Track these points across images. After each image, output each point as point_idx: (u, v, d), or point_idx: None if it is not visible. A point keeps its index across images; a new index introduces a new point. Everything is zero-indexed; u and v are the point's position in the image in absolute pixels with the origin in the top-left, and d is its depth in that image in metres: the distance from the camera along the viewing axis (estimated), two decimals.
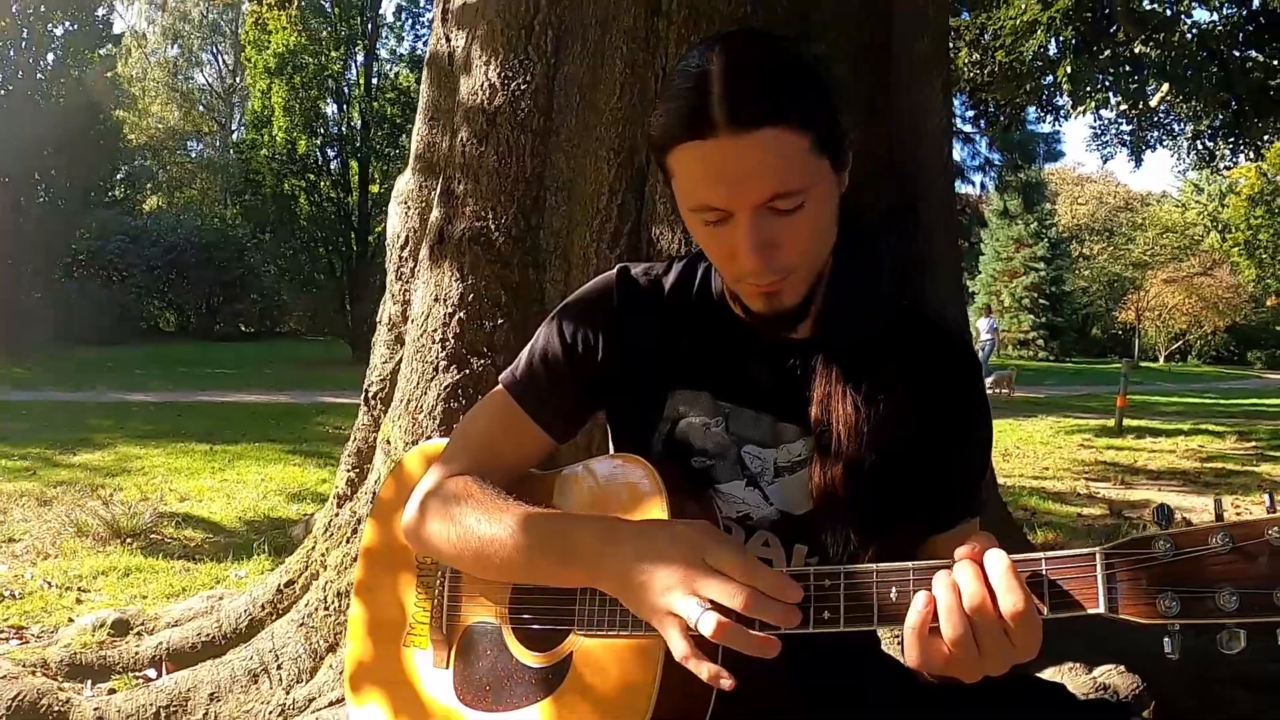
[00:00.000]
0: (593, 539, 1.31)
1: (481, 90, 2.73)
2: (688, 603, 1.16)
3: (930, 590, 1.12)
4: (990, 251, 46.89)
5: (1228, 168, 14.63)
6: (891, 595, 1.15)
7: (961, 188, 24.01)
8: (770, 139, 1.20)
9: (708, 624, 1.13)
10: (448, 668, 1.54)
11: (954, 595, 1.10)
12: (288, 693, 2.76)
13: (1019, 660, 1.10)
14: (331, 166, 29.48)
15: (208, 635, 3.10)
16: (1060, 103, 13.44)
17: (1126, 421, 13.22)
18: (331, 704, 2.63)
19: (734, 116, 1.20)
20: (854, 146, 1.38)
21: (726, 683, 1.16)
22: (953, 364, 1.49)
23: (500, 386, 1.59)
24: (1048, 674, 2.87)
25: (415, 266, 2.93)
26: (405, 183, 3.16)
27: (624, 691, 1.32)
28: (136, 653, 3.08)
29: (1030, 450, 10.84)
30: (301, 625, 2.84)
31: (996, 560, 1.10)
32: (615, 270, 1.56)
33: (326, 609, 2.80)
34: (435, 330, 2.65)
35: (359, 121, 29.11)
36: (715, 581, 1.16)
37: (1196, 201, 52.31)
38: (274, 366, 22.78)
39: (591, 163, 2.59)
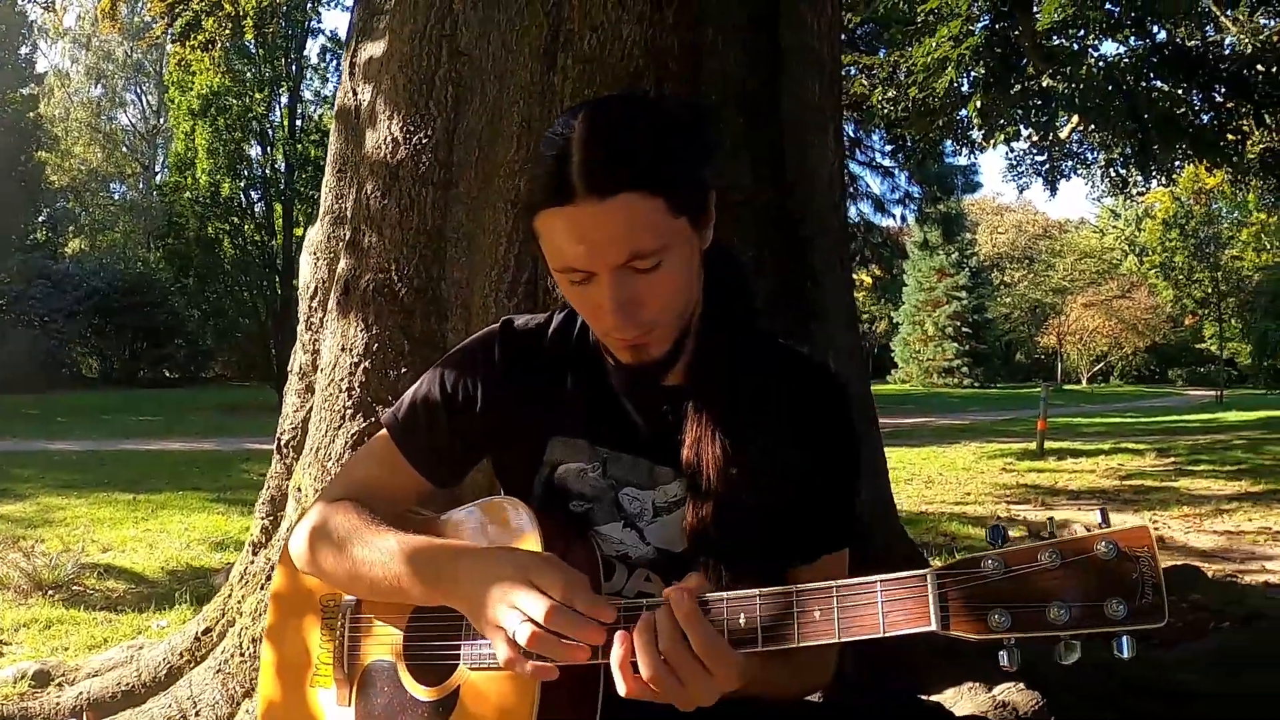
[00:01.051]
0: (447, 562, 1.42)
1: (385, 144, 2.81)
2: (510, 615, 1.28)
3: (632, 631, 1.24)
4: (913, 282, 47.62)
5: (1140, 193, 15.00)
6: (817, 613, 1.21)
7: (882, 221, 24.42)
8: (626, 204, 1.28)
9: (523, 633, 1.26)
10: (350, 705, 1.59)
11: (649, 635, 1.23)
12: None
13: (724, 689, 1.22)
14: (255, 209, 29.19)
15: (128, 685, 3.09)
16: (975, 136, 13.67)
17: (1048, 444, 13.43)
18: None
19: (591, 184, 1.28)
20: (741, 197, 1.47)
21: (550, 676, 1.29)
22: (818, 400, 1.57)
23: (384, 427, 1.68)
24: (947, 694, 2.95)
25: (324, 317, 2.99)
26: (315, 234, 3.22)
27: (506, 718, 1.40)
28: (57, 703, 3.07)
29: (953, 477, 11.03)
30: (218, 672, 2.86)
31: (680, 601, 1.22)
32: (500, 322, 1.64)
33: (242, 655, 2.83)
34: (342, 379, 2.71)
35: (283, 164, 28.89)
36: (531, 595, 1.27)
37: (1114, 227, 53.49)
38: (199, 413, 22.43)
39: (490, 214, 2.67)
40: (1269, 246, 39.60)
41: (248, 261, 28.35)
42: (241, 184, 28.36)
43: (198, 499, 8.96)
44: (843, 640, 1.18)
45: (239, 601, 3.03)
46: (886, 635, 1.15)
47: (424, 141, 2.75)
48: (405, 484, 1.65)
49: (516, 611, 1.28)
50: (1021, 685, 2.96)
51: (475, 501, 1.57)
